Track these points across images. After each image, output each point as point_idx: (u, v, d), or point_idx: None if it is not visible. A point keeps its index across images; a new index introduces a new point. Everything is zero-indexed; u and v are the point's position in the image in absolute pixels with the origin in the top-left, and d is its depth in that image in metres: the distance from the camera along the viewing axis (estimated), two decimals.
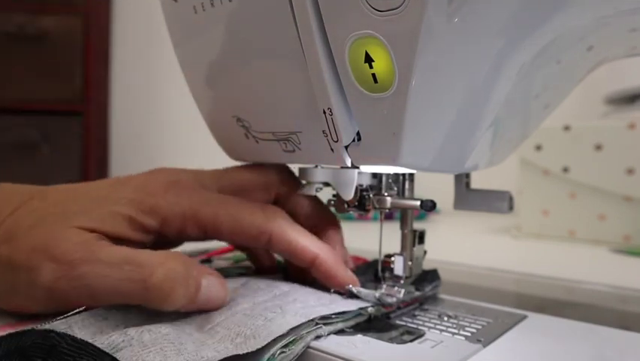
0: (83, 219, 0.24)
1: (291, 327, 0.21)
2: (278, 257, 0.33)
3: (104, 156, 1.26)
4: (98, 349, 0.18)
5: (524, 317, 0.26)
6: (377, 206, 0.27)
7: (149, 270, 0.21)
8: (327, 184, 0.27)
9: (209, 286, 0.23)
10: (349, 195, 0.26)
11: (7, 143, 1.16)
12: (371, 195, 0.27)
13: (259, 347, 0.19)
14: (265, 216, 0.26)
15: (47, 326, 0.20)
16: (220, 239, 0.27)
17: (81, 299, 0.22)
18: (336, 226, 0.30)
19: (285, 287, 0.27)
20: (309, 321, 0.22)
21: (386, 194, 0.27)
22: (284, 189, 0.29)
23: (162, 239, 0.27)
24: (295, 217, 0.28)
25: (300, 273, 0.28)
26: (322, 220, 0.30)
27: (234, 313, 0.23)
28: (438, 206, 0.26)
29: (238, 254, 0.36)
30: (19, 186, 0.27)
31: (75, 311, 0.21)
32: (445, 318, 0.26)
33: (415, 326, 0.25)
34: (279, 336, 0.20)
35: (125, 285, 0.22)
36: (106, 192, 0.25)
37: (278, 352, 0.20)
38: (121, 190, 0.25)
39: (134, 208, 0.25)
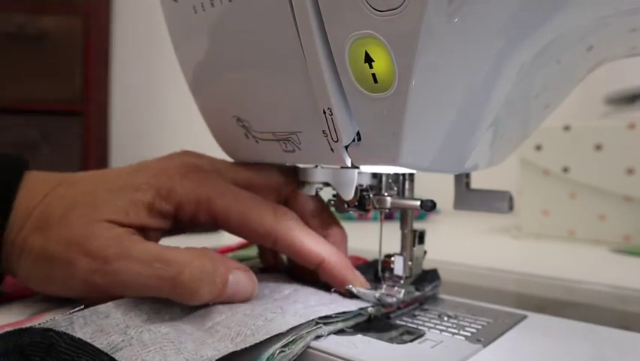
0: (109, 210, 0.24)
1: (290, 327, 0.21)
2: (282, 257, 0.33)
3: (104, 156, 1.26)
4: (97, 349, 0.18)
5: (524, 317, 0.26)
6: (377, 206, 0.27)
7: (178, 268, 0.22)
8: (327, 184, 0.27)
9: (236, 281, 0.24)
10: (349, 195, 0.26)
11: (7, 143, 1.16)
12: (371, 195, 0.27)
13: (257, 341, 0.20)
14: (274, 217, 0.27)
15: (46, 324, 0.20)
16: (229, 232, 0.28)
17: (114, 291, 0.23)
18: (341, 227, 0.30)
19: (286, 291, 0.27)
20: (309, 321, 0.22)
21: (386, 194, 0.27)
22: (291, 190, 0.30)
23: (178, 224, 0.27)
24: (301, 218, 0.28)
25: (304, 273, 0.29)
26: (327, 222, 0.30)
27: (235, 313, 0.23)
28: (438, 206, 0.26)
29: (240, 253, 0.36)
30: (47, 174, 0.27)
31: (76, 309, 0.21)
32: (445, 318, 0.26)
33: (415, 326, 0.25)
34: (279, 335, 0.20)
35: (155, 282, 0.23)
36: (129, 178, 0.26)
37: (277, 351, 0.20)
38: (143, 174, 0.26)
39: (153, 194, 0.26)
